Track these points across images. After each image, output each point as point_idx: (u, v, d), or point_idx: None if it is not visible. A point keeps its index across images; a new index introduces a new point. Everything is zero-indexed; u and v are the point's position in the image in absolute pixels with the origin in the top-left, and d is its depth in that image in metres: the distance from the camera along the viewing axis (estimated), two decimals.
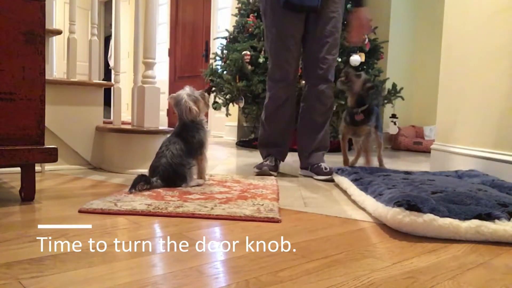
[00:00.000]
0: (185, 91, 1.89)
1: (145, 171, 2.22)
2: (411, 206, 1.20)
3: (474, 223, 1.18)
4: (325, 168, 2.21)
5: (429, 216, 1.18)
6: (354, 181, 1.73)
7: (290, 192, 1.85)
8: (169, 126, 6.13)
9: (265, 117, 2.32)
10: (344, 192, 1.84)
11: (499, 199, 1.34)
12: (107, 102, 2.55)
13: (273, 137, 2.29)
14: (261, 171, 2.17)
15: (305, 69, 2.31)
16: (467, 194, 1.36)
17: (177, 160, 1.77)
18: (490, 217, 1.19)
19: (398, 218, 1.21)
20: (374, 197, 1.44)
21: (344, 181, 1.85)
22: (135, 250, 1.03)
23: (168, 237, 1.13)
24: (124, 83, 3.95)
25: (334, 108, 3.48)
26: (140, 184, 1.67)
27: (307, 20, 2.19)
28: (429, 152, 2.69)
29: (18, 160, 1.41)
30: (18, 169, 1.51)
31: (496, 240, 1.17)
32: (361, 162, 2.42)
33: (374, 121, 2.23)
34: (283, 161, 2.35)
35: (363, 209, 1.52)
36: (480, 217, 1.20)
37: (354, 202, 1.65)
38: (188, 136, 1.84)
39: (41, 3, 1.44)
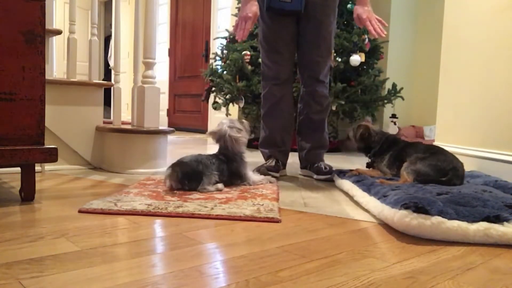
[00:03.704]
0: (226, 124, 1.88)
1: (145, 171, 2.22)
2: (419, 208, 1.19)
3: (482, 225, 1.17)
4: (325, 168, 2.21)
5: (437, 219, 1.17)
6: (356, 182, 1.73)
7: (290, 192, 1.85)
8: (169, 126, 6.14)
9: (262, 117, 2.33)
10: (345, 193, 1.83)
11: (505, 200, 1.33)
12: (107, 102, 2.54)
13: (272, 137, 2.29)
14: (259, 173, 2.17)
15: (299, 70, 2.33)
16: (473, 195, 1.34)
17: (204, 163, 1.75)
18: (498, 219, 1.18)
19: (405, 221, 1.20)
20: (378, 199, 1.42)
21: (345, 183, 1.84)
22: (135, 250, 1.03)
23: (168, 237, 1.13)
24: (124, 83, 3.94)
25: (334, 108, 3.48)
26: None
27: (299, 23, 2.20)
28: None
29: (18, 160, 1.41)
30: (18, 169, 1.51)
31: (505, 243, 1.16)
32: None
33: (385, 161, 1.92)
34: (285, 162, 2.34)
35: (367, 210, 1.51)
36: (488, 219, 1.18)
37: (355, 202, 1.65)
38: (225, 161, 1.84)
39: (41, 3, 1.44)
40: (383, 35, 2.11)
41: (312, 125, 2.30)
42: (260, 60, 3.57)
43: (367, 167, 2.03)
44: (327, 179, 2.16)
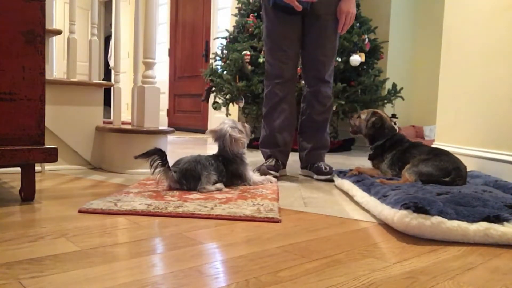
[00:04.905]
0: (227, 123, 1.88)
1: (145, 171, 2.22)
2: (419, 208, 1.19)
3: (482, 225, 1.17)
4: (325, 168, 2.21)
5: (437, 219, 1.17)
6: (356, 182, 1.73)
7: (290, 192, 1.85)
8: (169, 126, 6.13)
9: (264, 116, 2.32)
10: (345, 193, 1.83)
11: (505, 200, 1.33)
12: (107, 102, 2.54)
13: (272, 137, 2.28)
14: (259, 172, 2.17)
15: (303, 70, 2.32)
16: (473, 195, 1.34)
17: (202, 163, 1.75)
18: (498, 220, 1.18)
19: (405, 221, 1.20)
20: (378, 199, 1.42)
21: (345, 183, 1.84)
22: (135, 250, 1.03)
23: (168, 237, 1.13)
24: (124, 83, 3.94)
25: (334, 108, 3.48)
26: (155, 157, 1.67)
27: (304, 21, 2.20)
28: None
29: (18, 160, 1.41)
30: (18, 169, 1.51)
31: (505, 243, 1.16)
32: None
33: (387, 161, 1.91)
34: (285, 162, 2.33)
35: (367, 210, 1.51)
36: (488, 219, 1.18)
37: (355, 202, 1.65)
38: (225, 162, 1.84)
39: (41, 3, 1.44)
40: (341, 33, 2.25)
41: (315, 125, 2.30)
42: (260, 60, 3.60)
43: (369, 158, 2.02)
44: (327, 179, 2.16)
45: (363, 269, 0.94)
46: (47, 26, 1.96)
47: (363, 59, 3.59)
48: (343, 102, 3.49)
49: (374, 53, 3.84)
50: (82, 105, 2.35)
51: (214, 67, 4.14)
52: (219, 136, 1.86)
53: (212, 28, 5.80)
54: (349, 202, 1.68)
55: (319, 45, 2.20)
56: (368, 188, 1.59)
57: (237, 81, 3.74)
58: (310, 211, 1.50)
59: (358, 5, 3.83)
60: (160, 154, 1.68)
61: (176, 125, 6.12)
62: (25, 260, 0.93)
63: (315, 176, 2.23)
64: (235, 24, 4.16)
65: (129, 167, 2.24)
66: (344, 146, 4.06)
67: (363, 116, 2.04)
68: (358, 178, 1.78)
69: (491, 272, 0.96)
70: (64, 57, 2.87)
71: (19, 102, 1.42)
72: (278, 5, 2.10)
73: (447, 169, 1.67)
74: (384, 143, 1.96)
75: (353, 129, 2.09)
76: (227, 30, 4.25)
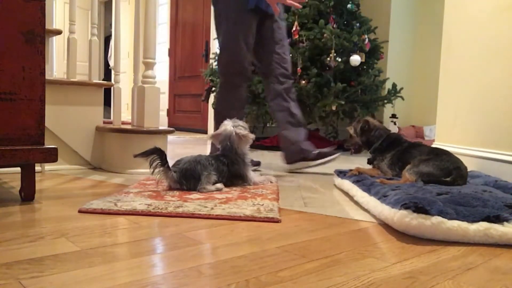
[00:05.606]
0: (229, 124, 1.88)
1: (145, 171, 2.22)
2: (419, 208, 1.19)
3: (482, 225, 1.17)
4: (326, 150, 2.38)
5: (437, 219, 1.17)
6: (356, 182, 1.73)
7: (290, 192, 1.85)
8: (169, 126, 6.13)
9: (217, 116, 2.34)
10: (345, 193, 1.83)
11: (505, 200, 1.33)
12: (107, 102, 2.55)
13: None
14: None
15: (269, 68, 2.41)
16: (473, 195, 1.34)
17: (202, 164, 1.74)
18: (498, 219, 1.18)
19: (405, 221, 1.20)
20: (378, 199, 1.42)
21: (345, 183, 1.84)
22: (135, 250, 1.03)
23: (168, 237, 1.13)
24: (124, 83, 3.94)
25: (334, 108, 3.48)
26: (155, 157, 1.66)
27: (261, 24, 2.33)
28: None
29: (18, 160, 1.41)
30: (18, 169, 1.51)
31: (505, 242, 1.16)
32: None
33: (387, 161, 1.92)
34: None
35: (367, 210, 1.51)
36: (488, 219, 1.18)
37: (355, 202, 1.65)
38: (226, 163, 1.83)
39: (41, 3, 1.44)
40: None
41: (295, 119, 2.41)
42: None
43: (368, 163, 2.03)
44: (331, 152, 2.34)
45: (363, 269, 0.94)
46: (47, 26, 1.96)
47: (363, 59, 3.59)
48: (343, 102, 3.49)
49: (374, 53, 3.83)
50: (82, 105, 2.35)
51: (214, 67, 4.14)
52: (224, 138, 1.86)
53: (212, 28, 5.79)
54: (349, 202, 1.68)
55: (280, 45, 2.40)
56: (368, 188, 1.59)
57: None
58: (310, 211, 1.50)
59: (358, 5, 3.84)
60: (159, 154, 1.68)
61: (176, 125, 6.12)
62: (25, 260, 0.93)
63: (318, 162, 2.31)
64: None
65: (129, 167, 2.24)
66: (343, 146, 4.05)
67: (351, 131, 2.09)
68: (358, 178, 1.78)
69: (491, 272, 0.96)
70: (64, 57, 2.87)
71: (19, 102, 1.42)
72: (259, 9, 2.21)
73: (448, 169, 1.67)
74: (381, 144, 1.96)
75: (354, 148, 2.12)
76: None
